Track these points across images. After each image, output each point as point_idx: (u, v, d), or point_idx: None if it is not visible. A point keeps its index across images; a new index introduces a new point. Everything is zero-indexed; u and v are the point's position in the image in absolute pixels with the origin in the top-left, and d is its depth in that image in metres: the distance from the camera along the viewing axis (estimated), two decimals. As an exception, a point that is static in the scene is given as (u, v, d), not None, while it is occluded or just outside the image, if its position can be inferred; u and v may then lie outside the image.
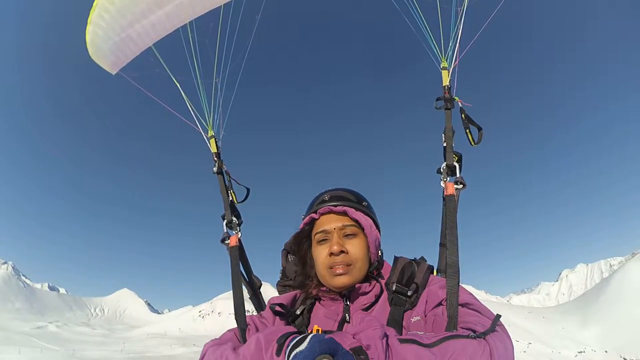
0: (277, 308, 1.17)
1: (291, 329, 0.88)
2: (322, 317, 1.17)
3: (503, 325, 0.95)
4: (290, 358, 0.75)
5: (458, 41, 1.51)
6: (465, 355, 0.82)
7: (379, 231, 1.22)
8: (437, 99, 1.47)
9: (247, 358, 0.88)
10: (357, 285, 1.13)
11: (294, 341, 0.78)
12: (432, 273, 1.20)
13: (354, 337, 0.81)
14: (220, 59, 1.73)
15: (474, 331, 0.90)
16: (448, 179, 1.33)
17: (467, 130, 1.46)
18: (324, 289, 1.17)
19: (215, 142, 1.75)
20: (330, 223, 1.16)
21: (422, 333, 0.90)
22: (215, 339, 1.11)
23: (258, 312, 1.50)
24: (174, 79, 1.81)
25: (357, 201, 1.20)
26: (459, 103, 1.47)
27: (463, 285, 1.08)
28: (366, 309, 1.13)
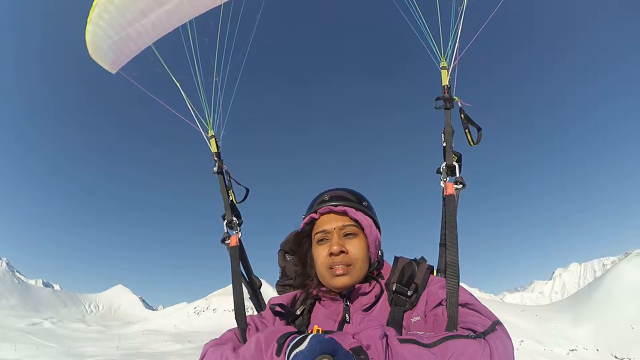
0: (277, 308, 1.17)
1: (291, 329, 0.89)
2: (322, 317, 1.18)
3: (503, 326, 0.96)
4: (290, 358, 0.75)
5: (457, 40, 1.51)
6: (465, 355, 0.83)
7: (380, 231, 1.22)
8: (437, 99, 1.46)
9: (247, 358, 0.89)
10: (357, 286, 1.13)
11: (294, 341, 0.78)
12: (432, 273, 1.21)
13: (353, 337, 0.81)
14: (220, 58, 1.73)
15: (474, 331, 0.90)
16: (448, 179, 1.32)
17: (467, 130, 1.46)
18: (324, 289, 1.17)
19: (216, 141, 1.74)
20: (330, 223, 1.16)
21: (422, 333, 0.90)
22: (215, 338, 1.11)
23: (258, 312, 1.50)
24: (173, 79, 1.80)
25: (357, 201, 1.20)
26: (459, 103, 1.46)
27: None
28: (366, 309, 1.14)
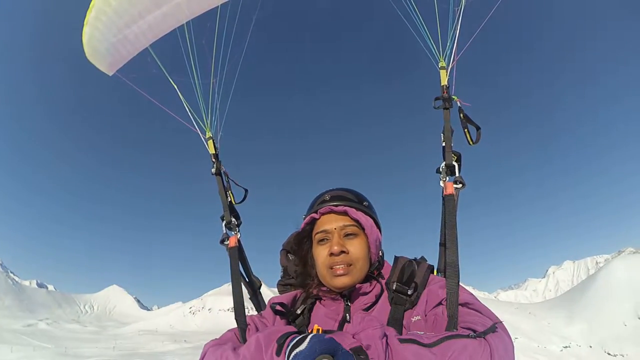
0: (278, 307, 1.18)
1: (291, 328, 0.89)
2: (323, 317, 1.18)
3: (504, 326, 0.96)
4: (290, 358, 0.75)
5: (456, 41, 1.51)
6: (465, 355, 0.82)
7: (380, 231, 1.22)
8: (436, 99, 1.46)
9: (247, 358, 0.88)
10: (357, 286, 1.13)
11: (294, 341, 0.78)
12: (432, 272, 1.21)
13: (353, 337, 0.81)
14: (218, 60, 1.72)
15: (474, 331, 0.90)
16: (447, 178, 1.32)
17: (466, 130, 1.46)
18: (324, 288, 1.17)
19: (214, 143, 1.74)
20: (330, 223, 1.16)
21: (422, 333, 0.90)
22: (216, 339, 1.11)
23: (258, 312, 1.50)
24: (171, 80, 1.79)
25: (358, 201, 1.21)
26: (458, 102, 1.46)
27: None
28: (367, 309, 1.14)
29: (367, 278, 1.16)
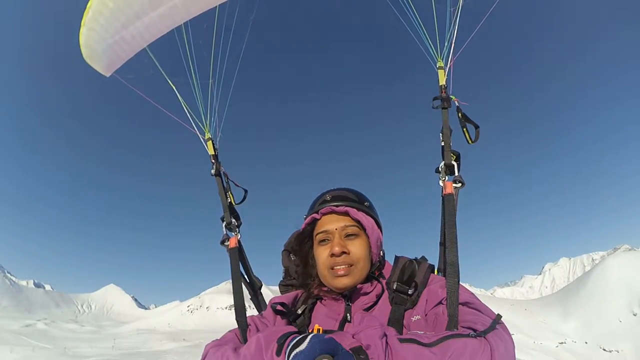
0: (279, 307, 1.18)
1: (291, 328, 0.89)
2: (324, 317, 1.18)
3: (504, 324, 0.95)
4: (290, 358, 0.76)
5: (453, 41, 1.50)
6: (465, 354, 0.82)
7: (381, 231, 1.22)
8: (434, 99, 1.46)
9: (247, 358, 0.89)
10: (358, 286, 1.14)
11: (294, 341, 0.78)
12: (433, 272, 1.21)
13: (353, 337, 0.81)
14: (216, 60, 1.71)
15: (475, 330, 0.90)
16: (446, 177, 1.32)
17: (464, 129, 1.46)
18: (325, 289, 1.18)
19: (213, 144, 1.73)
20: (331, 223, 1.16)
21: (422, 332, 0.90)
22: (217, 339, 1.12)
23: (259, 312, 1.50)
24: (169, 81, 1.78)
25: (359, 201, 1.21)
26: (456, 102, 1.46)
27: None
28: (367, 309, 1.14)
29: (368, 278, 1.16)
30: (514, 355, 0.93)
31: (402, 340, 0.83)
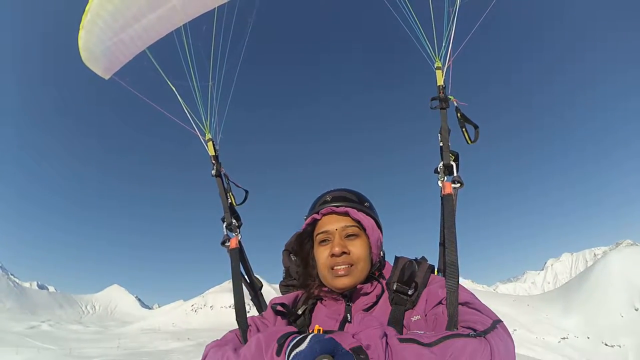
0: (279, 308, 1.18)
1: (291, 329, 0.89)
2: (324, 317, 1.18)
3: (504, 325, 0.95)
4: (290, 358, 0.76)
5: (451, 41, 1.50)
6: (465, 354, 0.82)
7: (381, 232, 1.22)
8: (432, 99, 1.45)
9: (247, 358, 0.89)
10: (358, 286, 1.14)
11: (294, 341, 0.78)
12: (433, 272, 1.21)
13: (353, 337, 0.82)
14: (215, 62, 1.71)
15: (475, 330, 0.90)
16: (445, 178, 1.32)
17: (463, 129, 1.45)
18: (325, 289, 1.18)
19: (213, 144, 1.73)
20: (332, 224, 1.16)
21: (422, 332, 0.90)
22: (217, 340, 1.12)
23: (259, 313, 1.51)
24: (169, 83, 1.77)
25: (359, 202, 1.21)
26: (454, 102, 1.46)
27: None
28: (367, 309, 1.14)
29: (368, 278, 1.16)
30: (514, 355, 0.93)
31: (402, 340, 0.83)
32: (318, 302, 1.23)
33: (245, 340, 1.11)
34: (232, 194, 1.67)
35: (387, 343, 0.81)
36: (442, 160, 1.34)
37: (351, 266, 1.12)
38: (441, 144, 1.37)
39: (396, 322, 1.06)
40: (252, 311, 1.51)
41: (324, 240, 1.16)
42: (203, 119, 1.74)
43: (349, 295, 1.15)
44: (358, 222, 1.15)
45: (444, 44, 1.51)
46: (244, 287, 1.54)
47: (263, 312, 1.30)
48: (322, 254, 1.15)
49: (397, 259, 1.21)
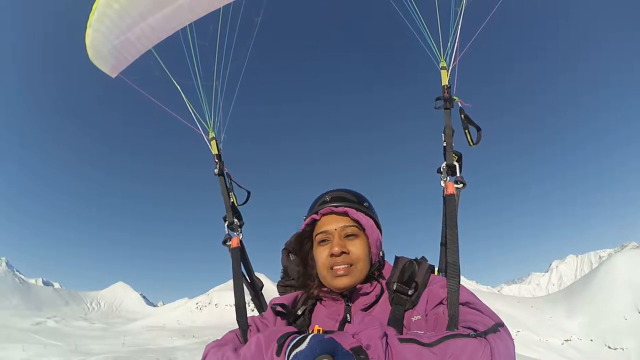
0: (279, 308, 1.18)
1: (291, 329, 0.89)
2: (324, 318, 1.18)
3: (505, 326, 0.95)
4: (290, 358, 0.76)
5: (457, 41, 1.49)
6: (465, 354, 0.82)
7: (381, 232, 1.22)
8: (437, 99, 1.45)
9: (247, 358, 0.89)
10: (358, 286, 1.14)
11: (294, 341, 0.78)
12: (433, 272, 1.21)
13: (353, 337, 0.81)
14: (220, 62, 1.71)
15: (475, 330, 0.90)
16: (448, 178, 1.31)
17: (466, 130, 1.45)
18: (325, 289, 1.18)
19: (216, 144, 1.73)
20: (331, 224, 1.16)
21: (422, 332, 0.90)
22: (217, 339, 1.13)
23: (259, 312, 1.51)
24: (174, 82, 1.78)
25: (358, 202, 1.21)
26: (459, 103, 1.45)
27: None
28: (367, 309, 1.14)
29: (368, 278, 1.16)
30: (514, 356, 0.92)
31: (402, 340, 0.83)
32: (318, 303, 1.23)
33: (246, 340, 1.11)
34: (234, 194, 1.68)
35: (387, 343, 0.81)
36: (445, 160, 1.34)
37: (350, 266, 1.12)
38: (444, 144, 1.37)
39: (396, 322, 1.06)
40: (253, 311, 1.52)
41: (323, 241, 1.16)
42: (207, 117, 1.75)
43: (349, 295, 1.15)
44: (357, 222, 1.15)
45: (449, 44, 1.51)
46: (245, 286, 1.53)
47: (263, 312, 1.30)
48: (321, 254, 1.15)
49: (397, 259, 1.21)
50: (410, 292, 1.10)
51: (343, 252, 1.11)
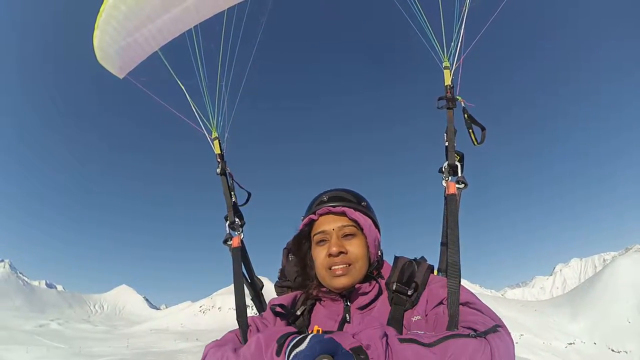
0: (278, 309, 1.18)
1: (291, 329, 0.89)
2: (323, 318, 1.18)
3: (505, 327, 0.95)
4: (290, 358, 0.76)
5: (460, 40, 1.48)
6: (465, 354, 0.82)
7: (379, 231, 1.22)
8: (439, 99, 1.44)
9: (247, 358, 0.89)
10: (357, 286, 1.13)
11: (294, 341, 0.78)
12: (433, 272, 1.21)
13: (353, 337, 0.81)
14: (224, 63, 1.72)
15: (475, 330, 0.90)
16: (449, 178, 1.31)
17: (470, 130, 1.44)
18: (324, 289, 1.18)
19: (219, 143, 1.73)
20: (329, 224, 1.16)
21: (422, 332, 0.89)
22: (216, 340, 1.12)
23: (259, 313, 1.51)
24: (179, 83, 1.79)
25: (356, 201, 1.21)
26: (462, 103, 1.44)
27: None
28: (366, 309, 1.14)
29: (367, 278, 1.16)
30: (514, 356, 0.92)
31: (402, 340, 0.83)
32: (317, 303, 1.22)
33: (246, 341, 1.11)
34: (235, 194, 1.68)
35: (387, 343, 0.81)
36: (447, 160, 1.33)
37: (349, 266, 1.12)
38: (447, 144, 1.36)
39: (396, 322, 1.06)
40: (253, 311, 1.52)
41: (321, 241, 1.16)
42: (210, 117, 1.75)
43: (348, 295, 1.15)
44: (355, 221, 1.15)
45: (452, 44, 1.50)
46: (245, 286, 1.52)
47: (263, 313, 1.29)
48: (319, 254, 1.15)
49: (396, 258, 1.21)
50: (409, 293, 1.10)
51: (341, 252, 1.11)
